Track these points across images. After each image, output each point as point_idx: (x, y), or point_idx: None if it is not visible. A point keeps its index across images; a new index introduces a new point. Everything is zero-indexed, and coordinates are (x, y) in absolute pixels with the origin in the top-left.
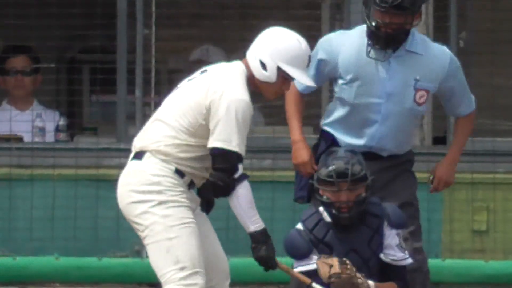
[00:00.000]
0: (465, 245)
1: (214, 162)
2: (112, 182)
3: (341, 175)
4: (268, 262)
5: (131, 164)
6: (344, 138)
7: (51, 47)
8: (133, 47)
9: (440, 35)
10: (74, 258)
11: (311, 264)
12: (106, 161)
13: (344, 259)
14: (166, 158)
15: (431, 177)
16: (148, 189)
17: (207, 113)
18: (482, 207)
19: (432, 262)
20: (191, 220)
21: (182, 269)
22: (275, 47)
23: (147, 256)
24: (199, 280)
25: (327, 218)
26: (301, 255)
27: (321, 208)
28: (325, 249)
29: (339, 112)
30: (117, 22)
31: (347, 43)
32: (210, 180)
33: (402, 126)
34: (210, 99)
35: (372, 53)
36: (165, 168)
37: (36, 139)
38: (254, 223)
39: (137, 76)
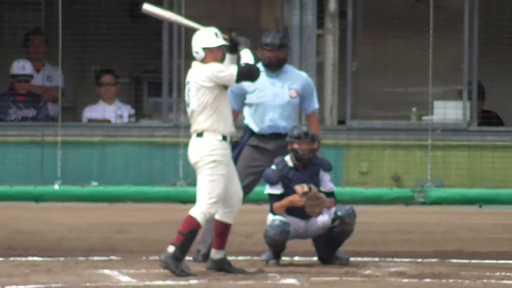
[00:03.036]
0: (356, 180)
1: (243, 79)
2: (159, 145)
3: (305, 135)
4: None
5: (197, 140)
6: (257, 127)
7: (126, 70)
8: (172, 70)
9: (342, 63)
10: (141, 186)
11: (277, 189)
12: (156, 133)
13: (311, 184)
14: (213, 131)
15: None
16: (208, 153)
17: (209, 85)
18: (364, 160)
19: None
20: (224, 173)
21: (210, 198)
22: (194, 40)
23: (181, 185)
24: (216, 208)
25: (289, 163)
26: (272, 183)
27: (286, 157)
28: (287, 181)
29: (251, 112)
30: (162, 56)
31: None
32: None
33: (286, 112)
34: (204, 77)
35: (269, 71)
36: (215, 141)
37: (118, 121)
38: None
39: (174, 87)
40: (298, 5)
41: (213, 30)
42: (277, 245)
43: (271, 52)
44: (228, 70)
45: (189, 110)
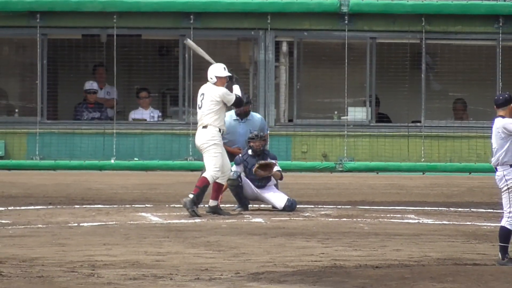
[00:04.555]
0: (300, 156)
1: (234, 106)
2: (176, 135)
3: (256, 136)
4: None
5: (203, 130)
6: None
7: (156, 88)
8: (184, 88)
9: (290, 84)
10: (165, 160)
11: (238, 168)
12: (175, 127)
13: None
14: (214, 126)
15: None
16: (210, 139)
17: (218, 100)
18: (304, 144)
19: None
20: (222, 151)
21: (215, 167)
22: (210, 70)
23: (190, 160)
24: (219, 174)
25: (249, 152)
26: (236, 163)
27: (249, 151)
28: (245, 162)
29: (225, 141)
30: (179, 79)
31: (227, 118)
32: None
33: (243, 142)
34: (216, 95)
35: (240, 120)
36: (215, 131)
37: (151, 120)
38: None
39: (186, 99)
40: (263, 48)
41: (222, 65)
42: (234, 186)
43: (244, 108)
44: (231, 96)
45: (199, 111)
